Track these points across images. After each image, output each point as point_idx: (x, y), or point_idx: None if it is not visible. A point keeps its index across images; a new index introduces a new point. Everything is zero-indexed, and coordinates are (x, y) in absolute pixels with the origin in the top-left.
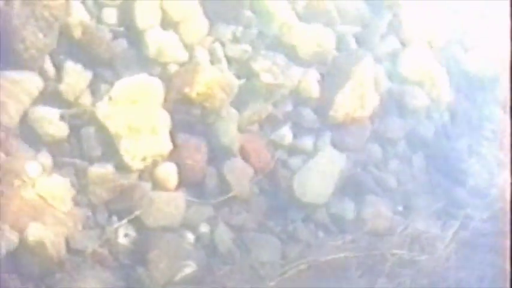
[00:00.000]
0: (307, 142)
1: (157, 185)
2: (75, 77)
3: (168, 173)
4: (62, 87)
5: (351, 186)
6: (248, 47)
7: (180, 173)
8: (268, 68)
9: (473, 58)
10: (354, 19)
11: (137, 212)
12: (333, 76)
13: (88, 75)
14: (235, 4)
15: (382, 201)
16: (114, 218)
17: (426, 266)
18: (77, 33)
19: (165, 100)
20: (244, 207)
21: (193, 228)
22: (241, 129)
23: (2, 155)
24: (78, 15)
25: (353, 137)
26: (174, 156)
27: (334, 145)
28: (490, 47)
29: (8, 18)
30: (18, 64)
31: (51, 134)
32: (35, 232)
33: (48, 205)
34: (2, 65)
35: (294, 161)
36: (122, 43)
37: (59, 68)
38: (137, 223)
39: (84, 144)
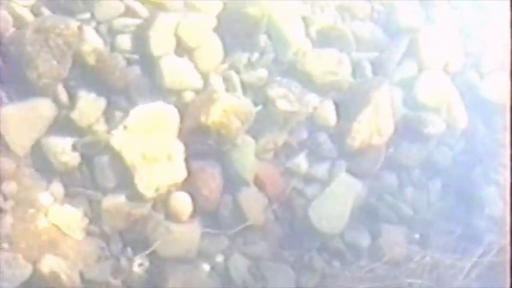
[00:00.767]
0: (323, 170)
1: (171, 215)
2: (89, 105)
3: (183, 202)
4: (75, 115)
5: (366, 214)
6: (264, 74)
7: (194, 202)
8: (283, 95)
9: (489, 84)
10: (369, 44)
11: (156, 245)
12: (349, 103)
13: (102, 103)
14: (250, 30)
15: (398, 229)
16: (128, 249)
17: None
18: (91, 60)
19: (181, 129)
20: (259, 236)
21: (208, 258)
22: (256, 157)
23: (15, 185)
24: (92, 43)
25: (368, 164)
26: (188, 185)
27: (350, 172)
28: (506, 72)
29: (21, 46)
30: (32, 92)
31: (64, 163)
32: (49, 263)
33: (61, 235)
34: (16, 93)
35: (310, 189)
36: (136, 70)
37: (72, 95)
38: (152, 253)
39: (97, 173)
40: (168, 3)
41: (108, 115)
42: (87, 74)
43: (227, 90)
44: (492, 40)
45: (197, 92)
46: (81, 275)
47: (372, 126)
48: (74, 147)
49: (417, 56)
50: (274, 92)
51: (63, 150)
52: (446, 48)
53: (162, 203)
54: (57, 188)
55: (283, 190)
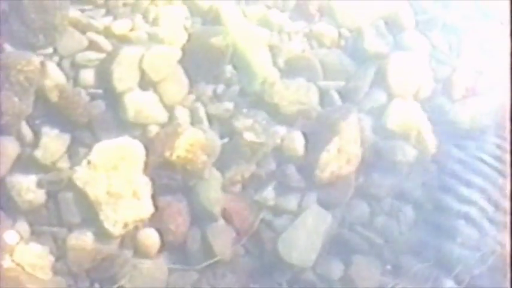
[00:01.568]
0: (292, 202)
1: (139, 251)
2: (53, 142)
3: (150, 238)
4: (39, 152)
5: (337, 246)
6: (230, 105)
7: (162, 237)
8: (250, 126)
9: (460, 109)
10: (337, 73)
11: (121, 282)
12: (317, 133)
13: (66, 139)
14: (215, 61)
15: (370, 260)
16: (96, 286)
17: None
18: (53, 96)
19: (146, 164)
20: (229, 270)
21: None
22: (224, 191)
23: None
24: (55, 78)
25: (338, 195)
26: (155, 220)
27: (320, 203)
28: (478, 98)
29: None
30: None
31: (29, 201)
32: None
33: (27, 275)
34: None
35: (279, 222)
36: (100, 105)
37: (35, 132)
38: None
39: (63, 210)
40: (131, 35)
41: (72, 151)
42: (50, 110)
43: (193, 123)
44: (462, 65)
45: (162, 125)
46: None
47: (341, 156)
48: (39, 185)
49: (386, 84)
50: (240, 123)
51: (28, 188)
52: (415, 75)
53: (129, 239)
54: (23, 226)
55: (252, 223)
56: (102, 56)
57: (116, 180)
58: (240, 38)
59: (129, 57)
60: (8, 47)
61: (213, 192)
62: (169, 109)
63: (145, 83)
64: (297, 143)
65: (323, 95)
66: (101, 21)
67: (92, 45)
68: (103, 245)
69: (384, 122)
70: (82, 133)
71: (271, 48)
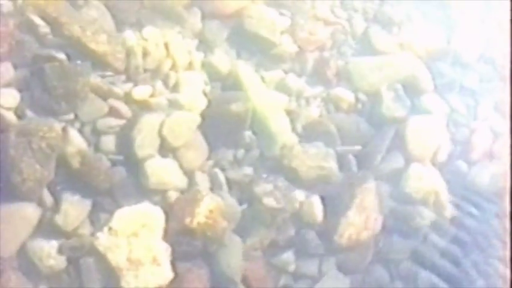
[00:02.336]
0: (312, 267)
1: None
2: (74, 208)
3: None
4: (60, 218)
5: None
6: (249, 170)
7: None
8: (270, 192)
9: (477, 172)
10: (354, 138)
11: None
12: (335, 198)
13: (87, 204)
14: (235, 127)
15: None
16: None
17: None
18: (75, 163)
19: (166, 230)
20: None
21: None
22: (244, 257)
23: None
24: (76, 144)
25: (357, 260)
26: (175, 286)
27: (339, 268)
28: (495, 161)
29: (4, 150)
30: (16, 196)
31: (50, 267)
32: None
33: None
34: (0, 197)
35: (299, 287)
36: (121, 171)
37: (57, 198)
38: None
39: (84, 276)
40: (152, 101)
41: (93, 217)
42: (72, 177)
43: (212, 188)
44: (480, 127)
45: (182, 191)
46: None
47: (359, 222)
48: (60, 250)
49: (404, 148)
50: (260, 189)
51: (49, 253)
52: (434, 138)
53: None
54: None
55: None
56: (123, 122)
57: (136, 247)
58: (259, 104)
59: (150, 123)
60: (29, 113)
61: (233, 258)
62: (189, 175)
63: (165, 148)
64: (315, 208)
65: (341, 159)
66: (122, 87)
67: (113, 112)
68: None
69: (402, 186)
70: (103, 199)
71: (289, 113)
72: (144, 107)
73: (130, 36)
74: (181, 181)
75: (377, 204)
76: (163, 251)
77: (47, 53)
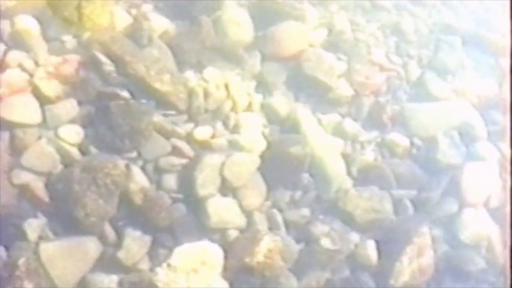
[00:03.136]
0: None
1: None
2: (135, 243)
3: None
4: (122, 253)
5: None
6: (306, 212)
7: None
8: (327, 233)
9: None
10: (409, 182)
11: None
12: (390, 241)
13: (147, 240)
14: (293, 169)
15: None
16: None
17: None
18: (137, 199)
19: (225, 268)
20: None
21: None
22: None
23: None
24: (139, 182)
25: None
26: None
27: None
28: None
29: (68, 184)
30: (78, 230)
31: None
32: None
33: None
34: (62, 229)
35: None
36: (182, 209)
37: (118, 233)
38: None
39: None
40: (213, 142)
41: (152, 253)
42: (134, 213)
43: (270, 228)
44: None
45: (241, 230)
46: None
47: (413, 266)
48: (120, 285)
49: (458, 193)
50: (317, 230)
51: (109, 287)
52: (486, 184)
53: None
54: None
55: None
56: (185, 161)
57: (195, 283)
58: (316, 147)
59: (211, 163)
60: (93, 150)
61: None
62: (248, 214)
63: (225, 188)
64: (370, 250)
65: (396, 203)
66: (183, 127)
67: (175, 151)
68: None
69: (456, 231)
70: (163, 236)
71: (345, 156)
72: (205, 147)
73: (192, 76)
74: (241, 220)
75: (431, 249)
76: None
77: (111, 91)
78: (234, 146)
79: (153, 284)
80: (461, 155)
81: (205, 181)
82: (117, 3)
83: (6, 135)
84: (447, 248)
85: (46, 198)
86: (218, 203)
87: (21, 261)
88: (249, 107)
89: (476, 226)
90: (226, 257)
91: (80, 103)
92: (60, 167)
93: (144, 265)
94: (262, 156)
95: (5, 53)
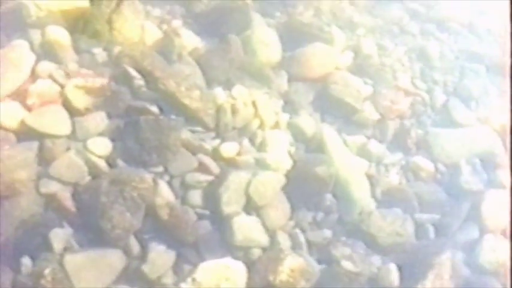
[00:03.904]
0: None
1: None
2: (159, 257)
3: None
4: (147, 266)
5: None
6: (328, 233)
7: None
8: (348, 256)
9: None
10: (432, 206)
11: None
12: (412, 265)
13: (172, 255)
14: (317, 189)
15: None
16: None
17: None
18: (163, 214)
19: (248, 286)
20: None
21: None
22: None
23: None
24: (165, 196)
25: None
26: None
27: None
28: None
29: (95, 196)
30: (103, 241)
31: None
32: None
33: None
34: (87, 241)
35: None
36: (206, 226)
37: (143, 247)
38: None
39: None
40: (239, 159)
41: (177, 268)
42: (159, 227)
43: (293, 248)
44: None
45: (264, 249)
46: None
47: None
48: None
49: (479, 219)
50: (338, 252)
51: None
52: (507, 212)
53: None
54: None
55: None
56: (211, 178)
57: None
58: (342, 168)
59: (237, 181)
60: (120, 163)
61: None
62: (271, 233)
63: (249, 207)
64: (392, 274)
65: (418, 227)
66: (210, 143)
67: (202, 167)
68: None
69: (476, 257)
70: (188, 251)
71: (369, 178)
72: (231, 164)
73: (220, 93)
74: (264, 239)
75: (452, 274)
76: None
77: (141, 105)
78: (260, 164)
79: None
80: (483, 181)
81: (230, 199)
82: (148, 18)
83: (35, 145)
84: (468, 273)
85: (72, 209)
86: (243, 221)
87: (47, 271)
88: (275, 126)
89: (496, 252)
90: (249, 275)
91: (109, 116)
92: (87, 178)
93: (169, 279)
94: (287, 175)
95: (36, 63)
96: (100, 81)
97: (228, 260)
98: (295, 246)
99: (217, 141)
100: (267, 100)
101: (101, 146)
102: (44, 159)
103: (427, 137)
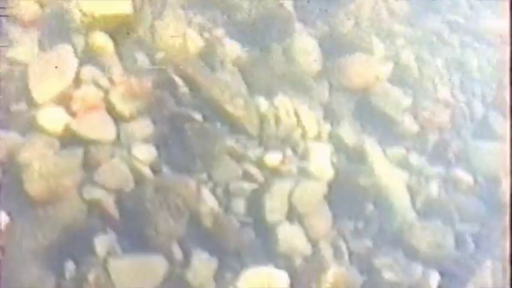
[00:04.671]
0: None
1: None
2: (202, 265)
3: None
4: (190, 273)
5: None
6: (369, 243)
7: None
8: (389, 266)
9: None
10: (472, 218)
11: None
12: (452, 277)
13: (214, 262)
14: (359, 199)
15: None
16: None
17: None
18: (207, 222)
19: None
20: None
21: None
22: None
23: None
24: (208, 204)
25: None
26: None
27: None
28: None
29: (140, 203)
30: (147, 247)
31: None
32: None
33: None
34: (130, 246)
35: None
36: (250, 234)
37: (186, 254)
38: None
39: None
40: (283, 168)
41: (219, 275)
42: (202, 234)
43: (335, 257)
44: None
45: (306, 258)
46: None
47: None
48: None
49: None
50: (380, 262)
51: None
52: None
53: None
54: None
55: None
56: (255, 186)
57: None
58: (383, 178)
59: (281, 190)
60: (165, 170)
61: None
62: (313, 242)
63: (292, 215)
64: (432, 284)
65: (458, 238)
66: (254, 152)
67: (246, 175)
68: None
69: None
70: (230, 259)
71: (410, 189)
72: (274, 173)
73: (263, 102)
74: (306, 248)
75: (492, 285)
76: None
77: (185, 112)
78: (303, 173)
79: None
80: None
81: (274, 207)
82: (189, 26)
83: (79, 151)
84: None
85: (116, 215)
86: (287, 229)
87: (91, 276)
88: (317, 135)
89: None
90: (292, 284)
91: (153, 122)
92: (131, 184)
93: (211, 287)
94: (329, 185)
95: (79, 68)
96: (144, 88)
97: (270, 269)
98: (337, 256)
99: (261, 149)
100: (308, 110)
101: (146, 153)
102: (89, 165)
103: (466, 149)
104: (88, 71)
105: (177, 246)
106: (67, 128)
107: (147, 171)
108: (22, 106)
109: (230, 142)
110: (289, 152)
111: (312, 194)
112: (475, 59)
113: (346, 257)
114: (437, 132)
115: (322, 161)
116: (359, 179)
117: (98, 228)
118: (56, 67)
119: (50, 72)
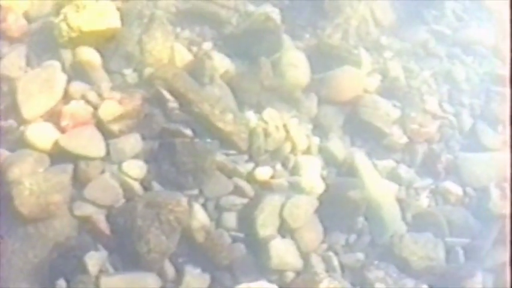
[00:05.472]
0: None
1: None
2: (194, 280)
3: None
4: None
5: None
6: (361, 256)
7: None
8: (382, 279)
9: None
10: (462, 230)
11: None
12: None
13: (206, 278)
14: (350, 213)
15: None
16: None
17: None
18: (199, 237)
19: None
20: None
21: None
22: None
23: None
24: (200, 220)
25: None
26: None
27: None
28: None
29: (131, 219)
30: (138, 264)
31: None
32: None
33: None
34: (122, 263)
35: None
36: (241, 249)
37: (178, 270)
38: None
39: None
40: (273, 182)
41: None
42: (194, 250)
43: (327, 271)
44: None
45: (298, 272)
46: None
47: None
48: None
49: (508, 243)
50: (372, 275)
51: None
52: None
53: None
54: None
55: None
56: (245, 201)
57: None
58: (373, 191)
59: (272, 204)
60: (156, 186)
61: None
62: (305, 256)
63: (284, 229)
64: None
65: (449, 251)
66: (244, 166)
67: (237, 190)
68: None
69: (505, 281)
70: (222, 274)
71: (400, 202)
72: (265, 187)
73: (252, 117)
74: (298, 262)
75: None
76: None
77: (175, 128)
78: (293, 187)
79: None
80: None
81: (266, 221)
82: (177, 40)
83: (69, 167)
84: None
85: (107, 232)
86: (279, 244)
87: None
88: (307, 150)
89: None
90: None
91: (143, 138)
92: (122, 201)
93: None
94: (320, 199)
95: (67, 84)
96: (133, 103)
97: (262, 283)
98: (329, 269)
99: (251, 164)
100: (297, 123)
101: (136, 169)
102: (79, 181)
103: (455, 161)
104: (77, 87)
105: (168, 262)
106: (56, 144)
107: (137, 187)
108: (11, 122)
109: (220, 157)
110: (279, 166)
111: (303, 208)
112: (463, 71)
113: (339, 270)
114: (426, 144)
115: (312, 175)
116: (349, 192)
117: (89, 245)
118: (45, 83)
119: (38, 88)
